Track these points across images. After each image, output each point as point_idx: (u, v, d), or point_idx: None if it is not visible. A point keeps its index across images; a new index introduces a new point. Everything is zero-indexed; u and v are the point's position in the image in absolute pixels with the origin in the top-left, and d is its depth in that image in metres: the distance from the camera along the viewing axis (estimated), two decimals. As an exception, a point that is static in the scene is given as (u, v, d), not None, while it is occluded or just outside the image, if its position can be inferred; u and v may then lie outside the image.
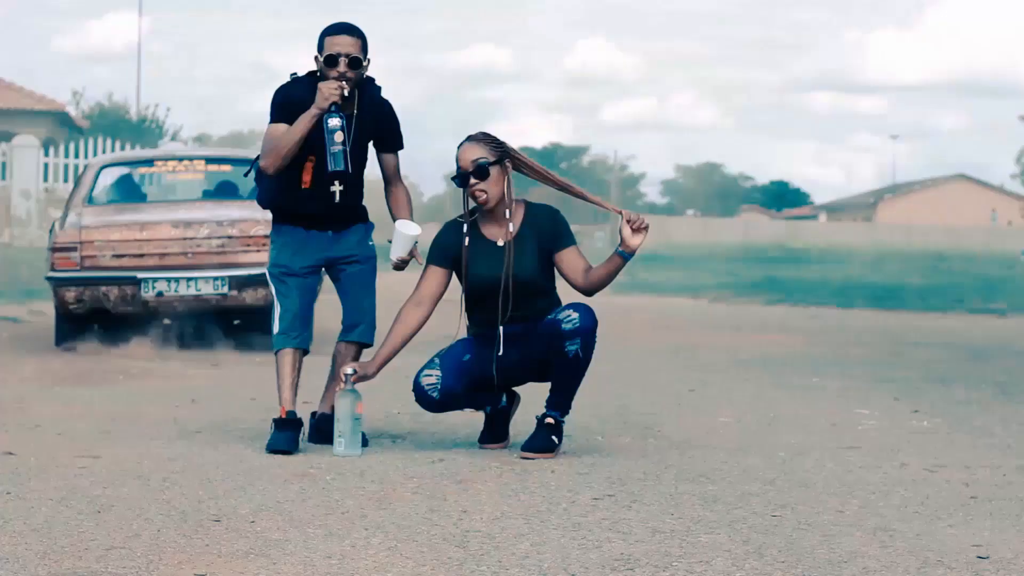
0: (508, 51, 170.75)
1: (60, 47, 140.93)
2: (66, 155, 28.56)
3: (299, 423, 5.62)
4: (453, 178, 5.49)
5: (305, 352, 5.75)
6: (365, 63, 5.61)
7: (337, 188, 5.70)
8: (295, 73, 5.72)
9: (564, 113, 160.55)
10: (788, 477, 5.08)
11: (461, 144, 5.50)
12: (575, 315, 5.35)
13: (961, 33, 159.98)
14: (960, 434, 6.42)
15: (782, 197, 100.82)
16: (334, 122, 5.54)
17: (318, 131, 5.57)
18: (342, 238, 5.81)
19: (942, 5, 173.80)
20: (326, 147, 5.55)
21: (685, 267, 38.57)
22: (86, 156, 28.37)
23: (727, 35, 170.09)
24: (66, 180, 28.20)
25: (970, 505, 4.58)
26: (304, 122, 5.54)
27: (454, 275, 5.58)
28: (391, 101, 5.81)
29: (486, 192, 5.43)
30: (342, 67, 5.54)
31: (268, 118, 5.71)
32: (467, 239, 5.51)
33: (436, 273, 5.56)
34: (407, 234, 5.60)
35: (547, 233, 5.52)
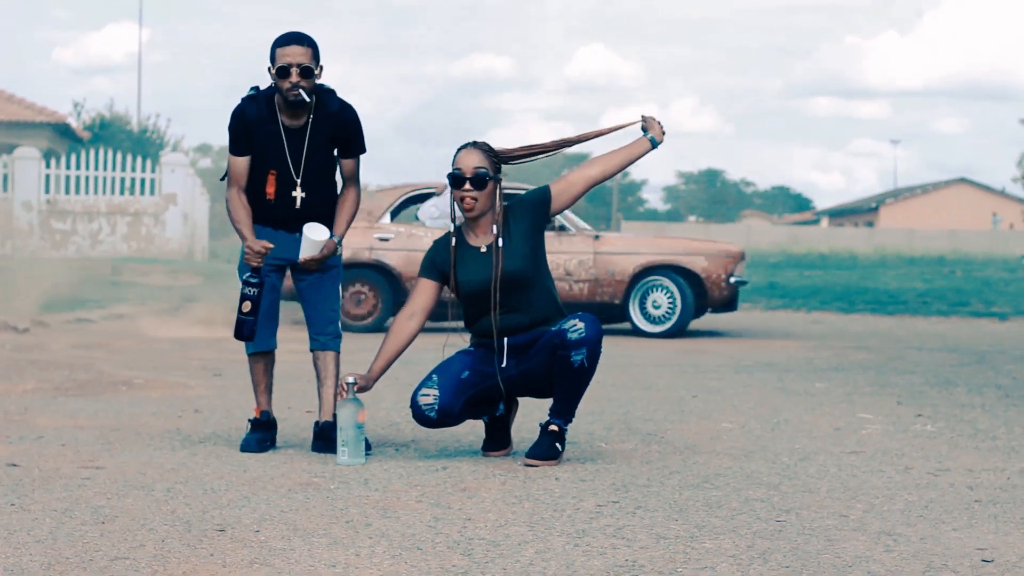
0: (508, 59, 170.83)
1: (60, 58, 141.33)
2: (67, 166, 28.55)
3: (272, 423, 5.91)
4: (449, 175, 5.51)
5: (273, 350, 5.98)
6: (317, 71, 5.67)
7: (299, 194, 5.81)
8: (256, 87, 5.80)
9: (565, 120, 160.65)
10: (792, 482, 5.08)
11: (464, 147, 5.53)
12: (581, 325, 5.36)
13: (961, 38, 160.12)
14: (963, 438, 6.42)
15: (784, 202, 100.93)
16: (247, 291, 5.69)
17: (277, 145, 5.73)
18: None
19: (941, 10, 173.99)
20: (238, 305, 5.74)
21: (687, 273, 38.43)
22: (87, 167, 28.39)
23: (727, 41, 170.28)
24: (67, 191, 28.21)
25: (974, 508, 4.58)
26: (241, 234, 5.76)
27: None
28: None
29: (476, 201, 5.47)
30: (294, 77, 5.63)
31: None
32: (453, 239, 5.55)
33: (427, 286, 5.60)
34: (312, 239, 5.70)
35: (527, 211, 5.57)
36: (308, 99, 5.65)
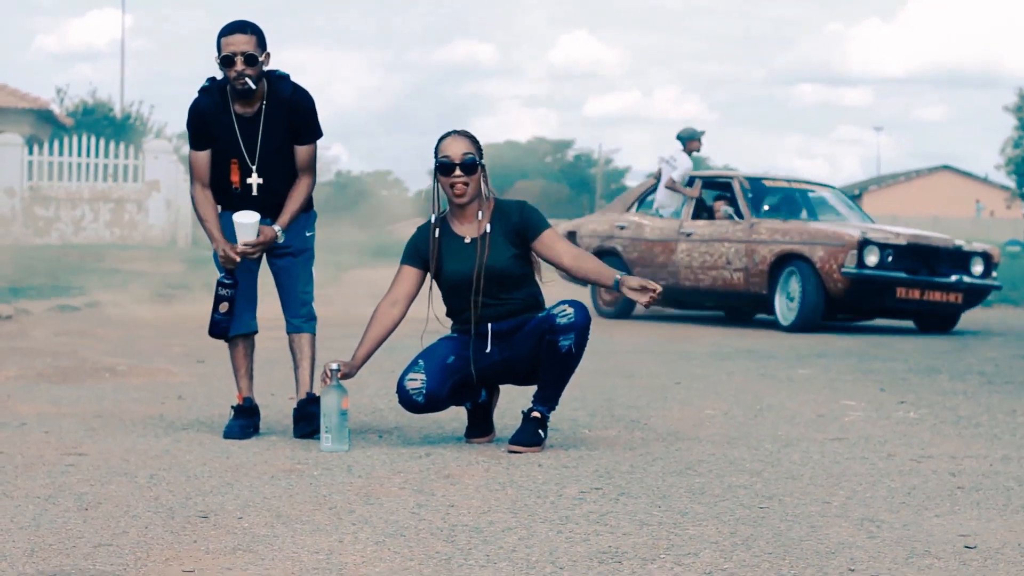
0: (492, 46, 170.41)
1: (43, 45, 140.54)
2: (50, 153, 28.46)
3: (255, 410, 5.94)
4: (437, 165, 5.49)
5: (254, 333, 5.99)
6: (262, 58, 5.69)
7: (255, 181, 5.82)
8: (212, 78, 5.83)
9: (548, 107, 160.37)
10: (775, 469, 5.09)
11: (449, 134, 5.52)
12: (571, 311, 5.36)
13: (944, 24, 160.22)
14: (946, 424, 6.44)
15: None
16: (222, 291, 5.81)
17: (231, 133, 5.75)
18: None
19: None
20: (213, 305, 5.84)
21: (671, 260, 38.46)
22: (70, 154, 28.30)
23: (711, 29, 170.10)
24: (50, 178, 28.12)
25: (957, 495, 4.59)
26: (210, 235, 5.83)
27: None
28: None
29: (467, 186, 5.46)
30: (239, 66, 5.65)
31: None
32: (437, 231, 5.55)
33: (410, 273, 5.60)
34: (242, 223, 5.74)
35: (517, 225, 5.54)
36: (254, 86, 5.67)
